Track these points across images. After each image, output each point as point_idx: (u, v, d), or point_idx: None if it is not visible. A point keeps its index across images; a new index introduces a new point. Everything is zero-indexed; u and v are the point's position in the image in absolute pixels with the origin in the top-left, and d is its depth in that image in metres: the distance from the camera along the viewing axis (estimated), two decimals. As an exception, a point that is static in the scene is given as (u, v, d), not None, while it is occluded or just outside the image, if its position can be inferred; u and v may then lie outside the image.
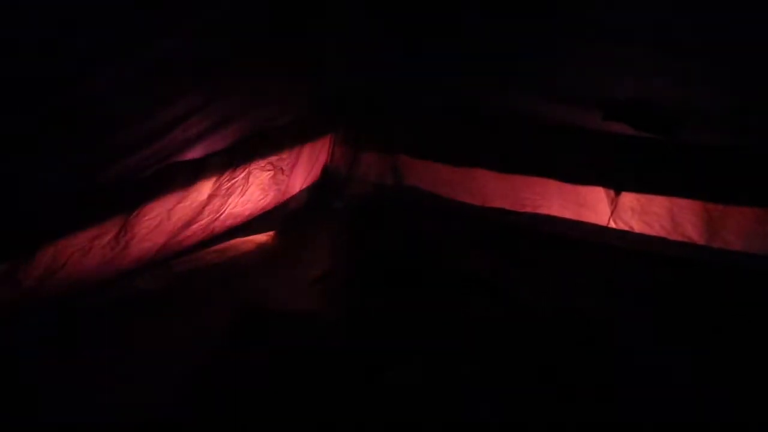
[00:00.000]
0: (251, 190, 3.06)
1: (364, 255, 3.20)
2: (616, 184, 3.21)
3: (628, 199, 3.21)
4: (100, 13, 1.77)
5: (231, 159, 2.78)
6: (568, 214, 3.41)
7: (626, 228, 3.27)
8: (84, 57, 1.80)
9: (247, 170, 2.94)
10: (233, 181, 2.86)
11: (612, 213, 3.27)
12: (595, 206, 3.32)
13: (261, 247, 3.19)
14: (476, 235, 3.46)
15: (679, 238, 3.16)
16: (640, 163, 3.12)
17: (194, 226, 2.75)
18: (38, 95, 1.75)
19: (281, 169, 3.26)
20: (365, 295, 2.86)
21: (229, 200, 2.91)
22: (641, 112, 2.87)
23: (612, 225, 3.30)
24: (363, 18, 3.10)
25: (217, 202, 2.81)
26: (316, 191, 3.84)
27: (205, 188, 2.67)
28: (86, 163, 2.06)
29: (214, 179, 2.71)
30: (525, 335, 2.61)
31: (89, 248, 2.20)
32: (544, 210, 3.45)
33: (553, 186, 3.37)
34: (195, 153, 2.54)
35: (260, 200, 3.21)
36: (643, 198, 3.18)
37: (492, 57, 2.98)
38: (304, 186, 3.73)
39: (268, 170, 3.14)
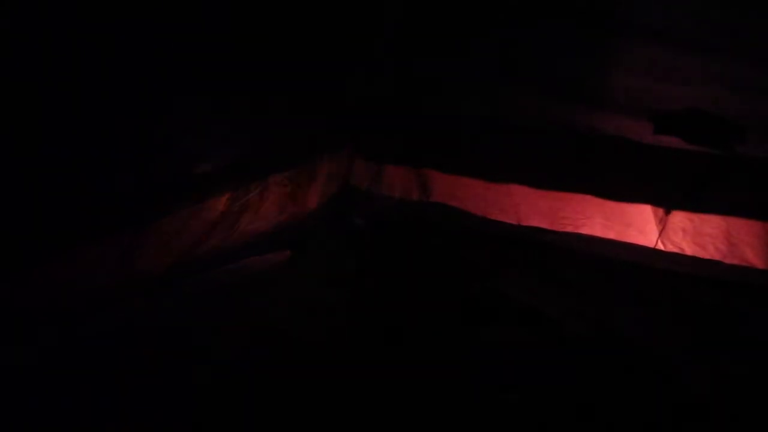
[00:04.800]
0: (266, 207, 3.08)
1: (387, 277, 3.19)
2: (666, 202, 3.19)
3: (679, 218, 3.19)
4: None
5: (246, 173, 2.81)
6: (612, 234, 3.39)
7: (676, 250, 3.24)
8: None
9: (262, 186, 2.97)
10: (247, 197, 2.88)
11: (660, 234, 3.25)
12: (642, 226, 3.30)
13: (276, 267, 3.19)
14: (511, 256, 3.44)
15: (737, 262, 3.12)
16: (694, 180, 3.10)
17: (206, 244, 2.76)
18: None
19: (298, 184, 3.28)
20: (387, 320, 2.84)
21: (243, 217, 2.93)
22: (696, 123, 2.86)
23: (660, 247, 3.27)
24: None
25: (230, 218, 2.83)
26: (335, 208, 3.84)
27: (217, 204, 2.70)
28: (88, 174, 2.09)
29: (227, 195, 2.73)
30: (564, 365, 2.58)
31: (94, 265, 2.22)
32: (585, 230, 3.44)
33: (595, 204, 3.36)
34: (208, 166, 2.57)
35: (276, 217, 3.22)
36: (696, 218, 3.16)
37: (531, 61, 2.98)
38: (323, 202, 3.72)
39: (284, 185, 3.16)
